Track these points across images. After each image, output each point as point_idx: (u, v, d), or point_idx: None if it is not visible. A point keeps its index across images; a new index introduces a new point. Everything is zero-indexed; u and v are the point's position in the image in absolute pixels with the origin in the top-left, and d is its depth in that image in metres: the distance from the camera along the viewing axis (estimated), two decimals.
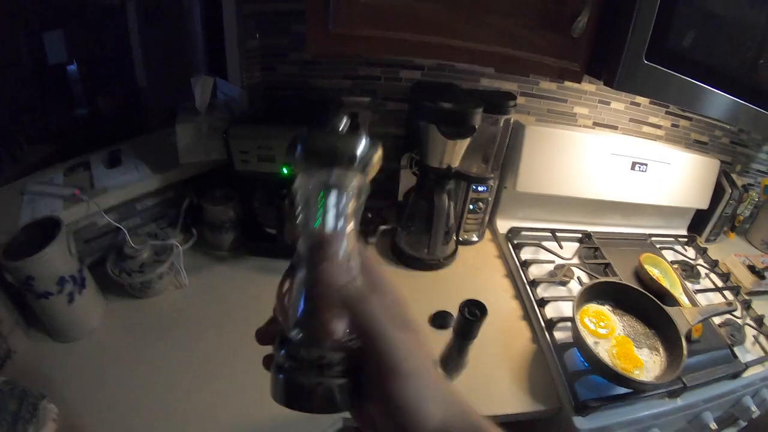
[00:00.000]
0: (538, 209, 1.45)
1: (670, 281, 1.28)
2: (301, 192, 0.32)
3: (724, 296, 1.36)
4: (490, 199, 1.37)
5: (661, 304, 1.09)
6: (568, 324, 1.11)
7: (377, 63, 1.30)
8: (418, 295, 1.10)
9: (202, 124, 1.08)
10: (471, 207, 1.37)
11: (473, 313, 0.76)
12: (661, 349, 1.07)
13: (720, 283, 1.42)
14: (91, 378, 0.81)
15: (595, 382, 1.00)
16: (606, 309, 1.13)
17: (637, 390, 0.97)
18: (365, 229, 1.29)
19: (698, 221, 1.65)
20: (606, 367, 0.94)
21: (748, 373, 1.14)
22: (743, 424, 1.24)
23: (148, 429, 0.74)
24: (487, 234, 1.42)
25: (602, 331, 1.06)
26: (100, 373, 0.82)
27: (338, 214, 0.31)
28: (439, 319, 1.05)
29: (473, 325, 0.76)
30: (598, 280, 1.13)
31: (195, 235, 1.14)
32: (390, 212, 1.39)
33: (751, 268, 1.48)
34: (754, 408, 1.18)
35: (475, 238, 1.42)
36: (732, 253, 1.52)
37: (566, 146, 1.32)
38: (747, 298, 1.38)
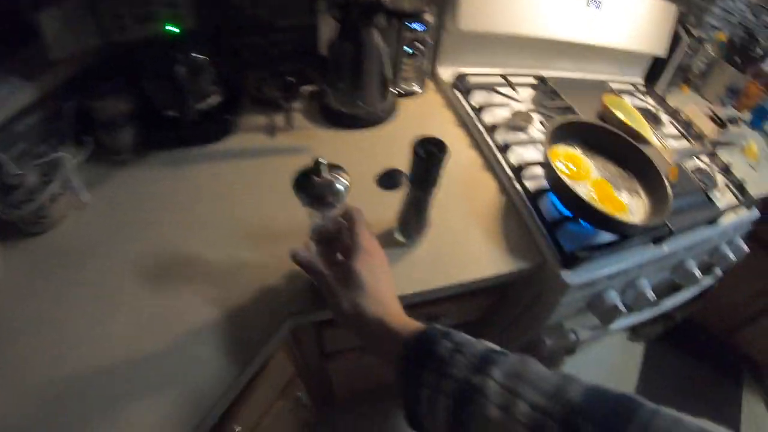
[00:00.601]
0: (484, 53, 1.16)
1: (638, 124, 1.07)
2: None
3: (690, 143, 1.20)
4: (429, 39, 1.05)
5: (637, 145, 0.88)
6: (538, 170, 0.88)
7: None
8: (360, 156, 0.89)
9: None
10: (408, 50, 1.04)
11: (430, 151, 0.58)
12: (641, 191, 0.87)
13: (683, 132, 1.25)
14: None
15: (577, 232, 0.79)
16: (577, 151, 0.89)
17: (626, 234, 0.77)
18: (285, 95, 0.94)
19: (653, 71, 1.47)
20: (593, 210, 0.72)
21: (724, 221, 1.00)
22: (720, 273, 1.12)
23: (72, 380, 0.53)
24: (430, 85, 1.16)
25: (577, 174, 0.83)
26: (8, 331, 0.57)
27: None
28: (387, 178, 0.84)
29: (431, 166, 0.59)
30: (569, 119, 0.89)
31: (90, 143, 0.80)
32: (315, 73, 1.03)
33: (713, 119, 1.32)
34: (731, 255, 1.04)
35: (416, 88, 1.11)
36: (688, 105, 1.36)
37: None
38: (711, 147, 1.23)
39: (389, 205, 0.71)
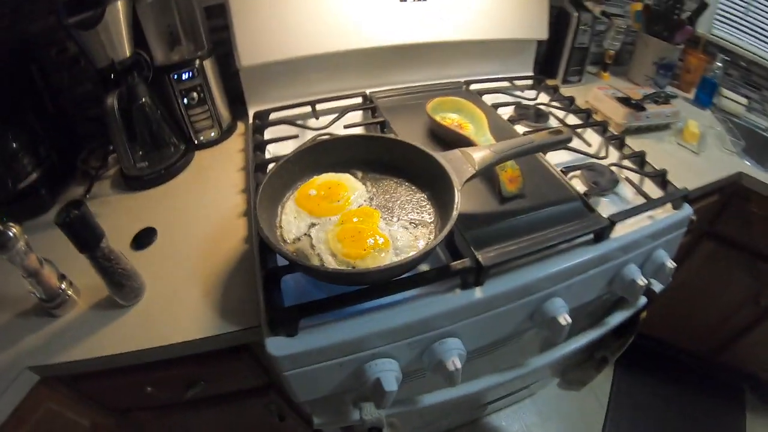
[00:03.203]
0: (294, 84, 0.98)
1: (477, 125, 0.81)
2: None
3: (582, 139, 0.91)
4: (203, 85, 0.89)
5: (426, 151, 0.63)
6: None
7: None
8: (126, 218, 0.80)
9: None
10: (185, 101, 0.89)
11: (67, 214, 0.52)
12: (432, 211, 0.60)
13: (578, 122, 0.96)
14: None
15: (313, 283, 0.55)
16: (345, 178, 0.65)
17: (354, 282, 0.51)
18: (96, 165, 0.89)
19: (549, 61, 1.21)
20: (297, 265, 0.48)
21: (620, 232, 0.70)
22: (638, 306, 0.79)
23: None
24: (241, 128, 1.03)
25: (324, 208, 0.59)
26: None
27: None
28: (140, 238, 0.75)
29: (75, 229, 0.53)
30: (314, 143, 0.66)
31: None
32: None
33: (624, 101, 1.03)
34: (641, 281, 0.72)
35: (213, 135, 0.97)
36: (591, 91, 1.09)
37: None
38: (618, 134, 0.93)
39: (141, 265, 0.65)
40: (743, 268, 1.15)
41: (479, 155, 0.61)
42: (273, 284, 0.55)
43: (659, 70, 1.23)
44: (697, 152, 1.00)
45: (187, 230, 0.75)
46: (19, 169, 0.77)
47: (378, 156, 0.67)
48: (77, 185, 0.87)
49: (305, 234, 0.56)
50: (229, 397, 0.79)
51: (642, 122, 1.01)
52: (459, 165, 0.60)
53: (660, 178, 0.81)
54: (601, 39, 1.25)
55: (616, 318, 0.81)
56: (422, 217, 0.60)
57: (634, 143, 0.91)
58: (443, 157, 0.61)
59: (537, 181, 0.72)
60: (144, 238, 0.74)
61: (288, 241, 0.56)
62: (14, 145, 0.76)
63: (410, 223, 0.59)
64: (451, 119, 0.83)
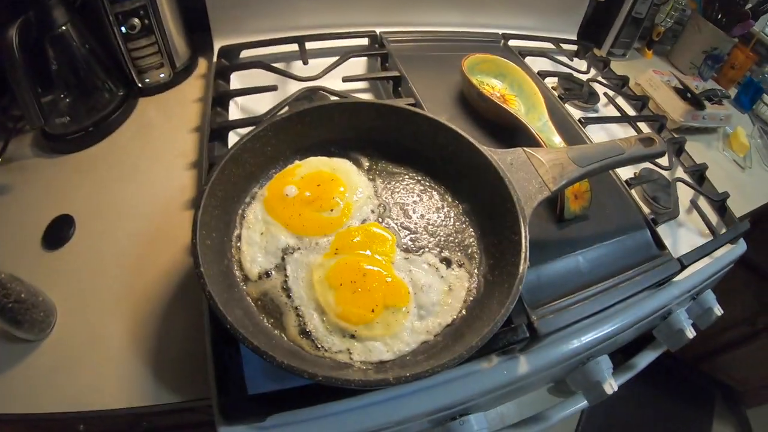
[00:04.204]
0: (281, 10, 0.70)
1: (528, 102, 0.58)
2: None
3: (638, 131, 0.71)
4: (149, 6, 0.61)
5: (481, 149, 0.40)
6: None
7: None
8: (43, 196, 0.55)
9: None
10: (122, 30, 0.61)
11: None
12: (475, 247, 0.39)
13: (632, 112, 0.76)
14: None
15: None
16: (344, 167, 0.41)
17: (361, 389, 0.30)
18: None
19: (595, 28, 0.98)
20: (235, 331, 0.27)
21: (682, 275, 0.55)
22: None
23: None
24: (202, 66, 0.73)
25: (312, 220, 0.36)
26: None
27: None
28: (53, 232, 0.51)
29: None
30: (299, 111, 0.41)
31: None
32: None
33: (681, 92, 0.84)
34: (690, 333, 0.57)
35: (163, 77, 0.68)
36: (646, 72, 0.88)
37: None
38: (676, 136, 0.74)
39: (51, 273, 0.46)
40: (750, 288, 1.09)
41: (554, 163, 0.40)
42: (227, 353, 0.33)
43: (707, 60, 1.05)
44: (743, 167, 0.85)
45: (115, 223, 0.51)
46: None
47: (393, 135, 0.44)
48: None
49: (277, 265, 0.34)
50: None
51: (698, 123, 0.83)
52: (525, 177, 0.39)
53: (720, 202, 0.65)
54: (654, 13, 1.03)
55: (646, 358, 0.67)
56: (459, 249, 0.39)
57: (690, 147, 0.74)
58: (501, 159, 0.39)
59: (601, 197, 0.53)
60: (58, 232, 0.52)
61: (251, 277, 0.33)
62: None
63: (441, 260, 0.38)
64: (491, 86, 0.60)
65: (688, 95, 0.84)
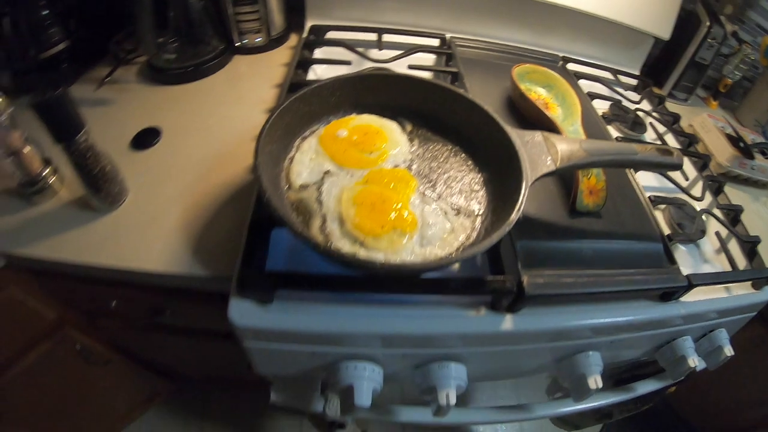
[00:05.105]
0: (368, 5, 0.81)
1: (568, 112, 0.64)
2: None
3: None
4: None
5: (500, 122, 0.47)
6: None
7: None
8: (139, 111, 0.68)
9: None
10: None
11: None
12: (484, 207, 0.45)
13: (677, 145, 0.79)
14: None
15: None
16: (389, 126, 0.49)
17: (351, 265, 0.37)
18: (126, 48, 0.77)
19: (660, 69, 1.00)
20: (274, 208, 0.33)
21: (691, 297, 0.55)
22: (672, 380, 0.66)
23: None
24: (292, 41, 0.87)
25: (353, 156, 0.44)
26: None
27: None
28: (141, 138, 0.64)
29: (47, 112, 0.42)
30: (363, 73, 0.53)
31: None
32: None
33: (734, 140, 0.84)
34: (692, 361, 0.58)
35: (259, 41, 0.82)
36: (700, 115, 0.90)
37: None
38: (718, 177, 0.76)
39: (132, 167, 0.57)
40: None
41: (565, 147, 0.46)
42: (259, 237, 0.42)
43: None
44: None
45: (194, 140, 0.63)
46: (44, 39, 0.68)
47: (436, 110, 0.52)
48: (104, 67, 0.75)
49: (316, 183, 0.42)
50: (198, 332, 0.70)
51: (745, 171, 0.83)
52: (537, 153, 0.45)
53: (750, 244, 0.65)
54: (722, 63, 1.04)
55: (646, 387, 0.68)
56: (469, 204, 0.45)
57: (728, 192, 0.74)
58: (519, 136, 0.46)
59: (618, 203, 0.57)
60: (145, 138, 0.64)
61: (293, 186, 0.42)
62: (43, 12, 0.67)
63: (452, 207, 0.44)
64: (537, 94, 0.66)
65: (741, 144, 0.85)
